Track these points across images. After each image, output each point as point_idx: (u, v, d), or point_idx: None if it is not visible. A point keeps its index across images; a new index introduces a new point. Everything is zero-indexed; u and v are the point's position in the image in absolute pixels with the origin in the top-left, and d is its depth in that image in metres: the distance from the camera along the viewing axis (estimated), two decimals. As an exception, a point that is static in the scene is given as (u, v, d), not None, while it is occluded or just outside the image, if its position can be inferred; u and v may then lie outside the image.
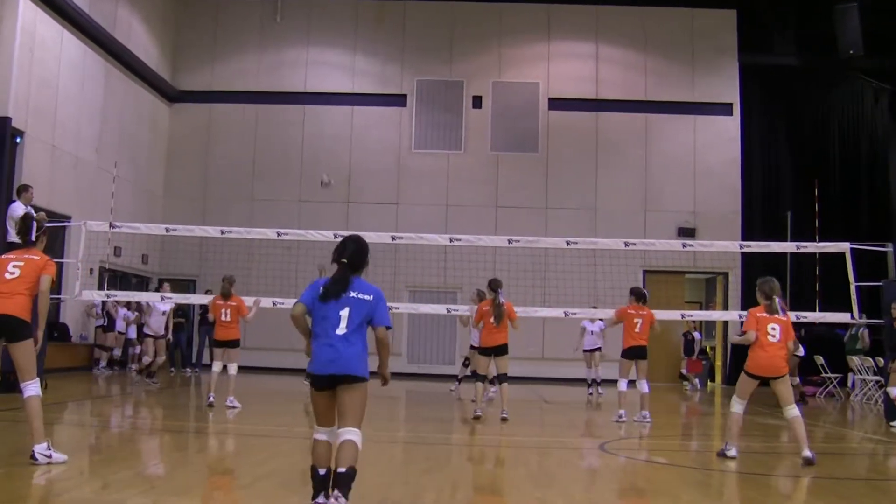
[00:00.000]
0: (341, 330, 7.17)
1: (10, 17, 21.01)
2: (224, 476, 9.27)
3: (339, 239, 15.52)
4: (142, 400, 18.44)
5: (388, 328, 7.38)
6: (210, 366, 17.42)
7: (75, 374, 21.87)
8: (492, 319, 15.82)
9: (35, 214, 10.06)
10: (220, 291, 17.03)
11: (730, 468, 10.70)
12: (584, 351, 22.38)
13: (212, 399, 16.18)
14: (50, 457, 8.83)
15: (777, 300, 11.26)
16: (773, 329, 11.04)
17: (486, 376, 16.93)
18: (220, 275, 18.84)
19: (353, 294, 7.29)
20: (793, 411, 11.00)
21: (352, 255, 7.49)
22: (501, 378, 16.12)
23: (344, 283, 7.33)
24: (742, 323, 24.65)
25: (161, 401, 18.72)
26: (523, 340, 27.78)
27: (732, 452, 11.06)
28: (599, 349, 22.33)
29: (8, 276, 9.26)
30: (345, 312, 7.21)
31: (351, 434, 7.10)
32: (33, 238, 9.71)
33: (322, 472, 7.10)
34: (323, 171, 30.83)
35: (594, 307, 22.06)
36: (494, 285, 16.10)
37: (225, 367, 16.65)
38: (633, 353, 16.30)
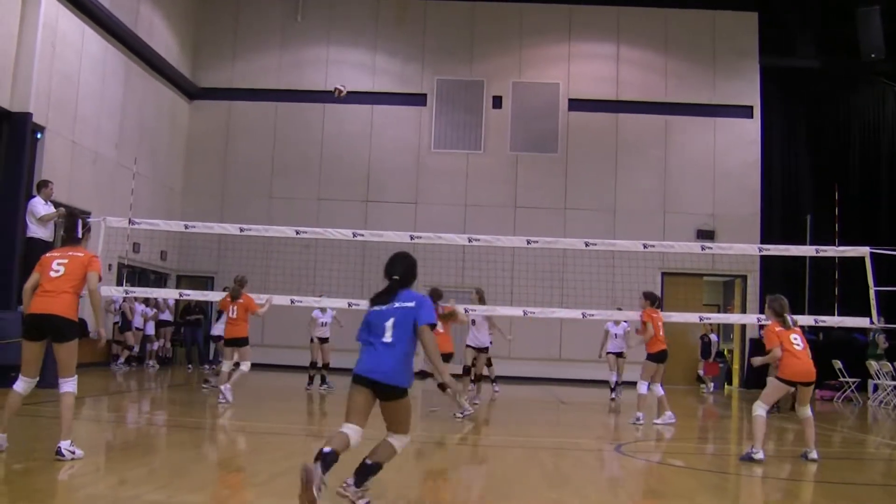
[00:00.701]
0: (387, 339, 7.41)
1: (32, 12, 21.06)
2: (238, 473, 9.27)
3: (359, 238, 15.46)
4: (158, 396, 18.48)
5: (432, 325, 7.57)
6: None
7: (93, 370, 21.92)
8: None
9: (72, 210, 9.99)
10: (230, 292, 17.17)
11: (753, 472, 10.66)
12: (608, 353, 22.07)
13: (224, 388, 16.30)
14: (74, 453, 8.83)
15: (788, 317, 11.72)
16: (796, 339, 11.52)
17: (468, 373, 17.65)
18: (238, 272, 18.90)
19: (397, 305, 7.61)
20: (807, 412, 11.64)
21: (403, 272, 7.97)
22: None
23: (391, 293, 7.74)
24: (760, 329, 24.58)
25: (177, 397, 18.77)
26: (542, 342, 27.97)
27: (760, 455, 11.14)
28: (622, 353, 22.02)
29: (53, 274, 9.24)
30: (389, 322, 7.48)
31: (395, 439, 7.40)
32: (79, 235, 9.75)
33: (327, 450, 7.06)
34: (343, 169, 30.86)
35: (618, 308, 21.87)
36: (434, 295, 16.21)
37: (238, 365, 16.71)
38: (662, 357, 16.23)
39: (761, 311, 26.65)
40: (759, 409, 11.50)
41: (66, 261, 9.37)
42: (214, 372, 21.86)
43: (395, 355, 7.35)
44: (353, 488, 7.09)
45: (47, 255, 9.53)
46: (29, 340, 9.25)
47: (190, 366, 27.15)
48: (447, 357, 15.90)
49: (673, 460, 12.23)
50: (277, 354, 27.31)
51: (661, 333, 16.26)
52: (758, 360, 12.11)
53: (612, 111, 31.31)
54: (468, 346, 18.45)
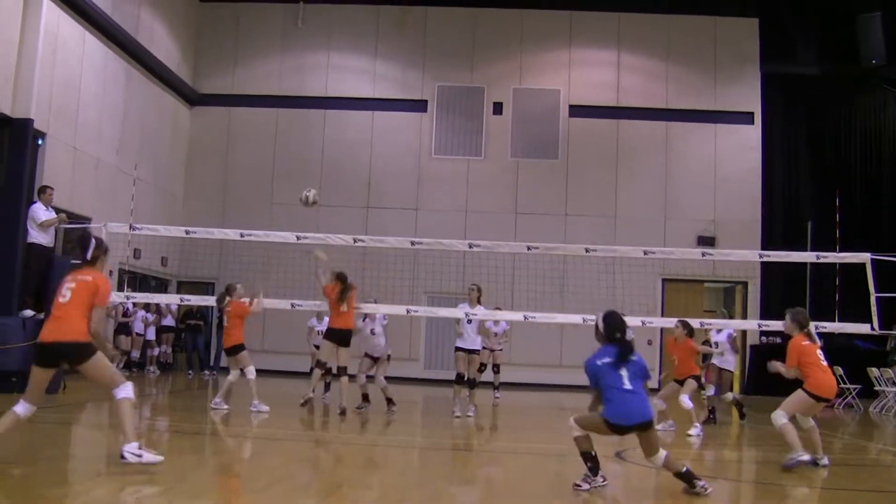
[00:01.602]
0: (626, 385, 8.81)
1: (33, 18, 21.07)
2: (239, 479, 9.26)
3: (359, 244, 15.55)
4: (158, 401, 18.48)
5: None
6: (227, 368, 17.50)
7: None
8: None
9: (92, 232, 9.82)
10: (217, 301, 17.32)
11: (754, 479, 10.63)
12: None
13: (215, 402, 16.34)
14: (140, 456, 8.74)
15: (813, 331, 11.67)
16: (820, 354, 11.48)
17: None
18: (239, 277, 18.92)
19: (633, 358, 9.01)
20: (810, 421, 11.56)
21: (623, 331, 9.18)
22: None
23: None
24: (762, 336, 24.48)
25: (177, 403, 18.76)
26: (543, 348, 27.93)
27: (805, 457, 10.97)
28: None
29: (61, 299, 9.08)
30: (624, 372, 8.88)
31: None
32: (88, 257, 9.47)
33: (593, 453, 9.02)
34: (344, 175, 30.90)
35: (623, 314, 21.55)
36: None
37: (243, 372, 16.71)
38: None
39: (763, 317, 26.76)
40: (782, 418, 11.16)
41: (73, 285, 9.17)
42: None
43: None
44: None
45: (65, 278, 9.38)
46: (39, 367, 9.01)
47: (191, 371, 27.15)
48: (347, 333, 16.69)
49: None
50: (278, 360, 27.27)
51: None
52: (778, 367, 11.71)
53: (613, 117, 31.34)
54: (458, 348, 17.93)
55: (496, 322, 21.33)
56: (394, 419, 16.07)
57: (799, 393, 11.28)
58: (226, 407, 16.40)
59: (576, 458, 12.38)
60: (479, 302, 17.84)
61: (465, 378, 17.37)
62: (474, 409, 17.84)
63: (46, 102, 22.05)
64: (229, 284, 17.50)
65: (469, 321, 17.57)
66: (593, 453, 8.90)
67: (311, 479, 9.56)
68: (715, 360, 19.96)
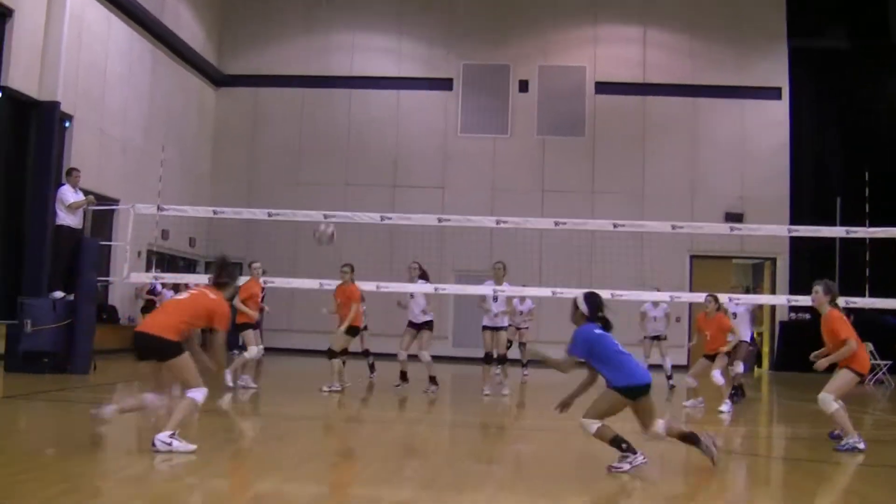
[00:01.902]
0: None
1: (58, 2, 21.12)
2: (266, 459, 9.29)
3: (386, 221, 15.73)
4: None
5: None
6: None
7: (124, 356, 22.02)
8: None
9: (226, 257, 9.78)
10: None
11: (782, 455, 10.60)
12: (647, 338, 20.60)
13: (243, 379, 16.45)
14: (170, 444, 8.56)
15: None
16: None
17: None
18: (267, 257, 18.98)
19: None
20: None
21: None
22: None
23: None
24: (791, 311, 24.31)
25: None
26: (569, 324, 27.87)
27: (862, 445, 10.37)
28: (661, 336, 20.62)
29: (176, 297, 9.19)
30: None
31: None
32: (216, 281, 9.48)
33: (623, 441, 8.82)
34: (370, 154, 30.93)
35: (657, 289, 21.38)
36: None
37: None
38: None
39: (792, 292, 26.62)
40: (833, 403, 10.51)
41: (195, 292, 9.25)
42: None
43: None
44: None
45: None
46: (137, 359, 9.08)
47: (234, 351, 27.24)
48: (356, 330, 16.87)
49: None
50: (306, 339, 27.34)
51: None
52: (824, 363, 11.01)
53: (640, 94, 31.20)
54: (484, 327, 17.86)
55: (522, 300, 21.25)
56: (430, 398, 16.07)
57: (845, 373, 10.68)
58: (254, 385, 16.45)
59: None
60: (504, 279, 17.80)
61: (494, 356, 17.37)
62: (507, 388, 17.84)
63: (73, 85, 22.14)
64: (250, 262, 17.59)
65: (495, 299, 17.54)
66: (620, 436, 8.77)
67: (340, 458, 9.59)
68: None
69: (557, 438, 11.75)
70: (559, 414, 9.15)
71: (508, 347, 20.43)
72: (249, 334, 16.69)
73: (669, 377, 20.07)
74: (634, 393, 8.80)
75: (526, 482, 8.57)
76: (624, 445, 8.68)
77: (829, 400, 10.49)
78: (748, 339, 18.59)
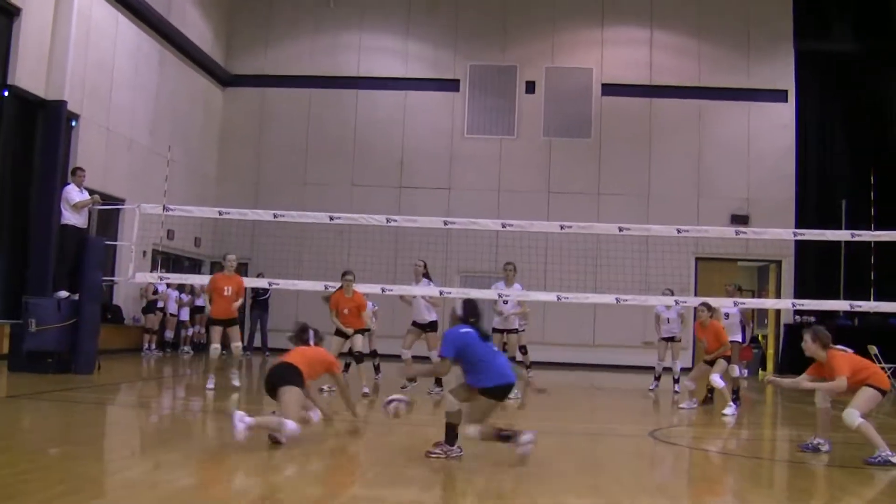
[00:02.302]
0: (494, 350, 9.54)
1: (66, 0, 21.15)
2: (274, 458, 9.29)
3: (392, 223, 15.94)
4: (193, 382, 18.58)
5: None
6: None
7: (129, 356, 22.08)
8: None
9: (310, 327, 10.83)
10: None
11: (789, 458, 10.58)
12: (662, 339, 20.51)
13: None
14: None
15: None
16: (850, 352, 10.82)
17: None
18: (272, 258, 18.96)
19: None
20: (826, 403, 11.05)
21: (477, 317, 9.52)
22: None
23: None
24: (796, 314, 24.31)
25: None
26: (576, 327, 27.87)
27: (894, 458, 9.96)
28: (675, 337, 20.45)
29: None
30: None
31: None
32: (310, 342, 10.65)
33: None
34: (376, 155, 30.97)
35: (669, 291, 21.16)
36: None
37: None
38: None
39: (796, 296, 26.59)
40: (857, 418, 10.20)
41: (308, 354, 10.36)
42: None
43: None
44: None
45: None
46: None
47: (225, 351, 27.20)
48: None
49: (707, 446, 12.18)
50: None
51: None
52: (808, 385, 11.08)
53: (646, 96, 31.20)
54: (494, 329, 17.78)
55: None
56: (435, 399, 16.03)
57: (867, 390, 10.38)
58: (226, 384, 16.27)
59: (608, 437, 12.39)
60: (514, 280, 17.77)
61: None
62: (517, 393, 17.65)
63: (80, 84, 22.18)
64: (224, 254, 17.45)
65: (505, 302, 17.57)
66: (500, 429, 9.26)
67: (347, 459, 9.59)
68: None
69: (560, 441, 11.74)
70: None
71: (525, 352, 20.44)
72: (215, 331, 16.46)
73: (676, 380, 19.90)
74: (501, 392, 9.20)
75: (529, 486, 8.56)
76: (505, 434, 9.16)
77: (853, 416, 10.23)
78: (739, 339, 18.56)
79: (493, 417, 9.36)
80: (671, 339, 20.41)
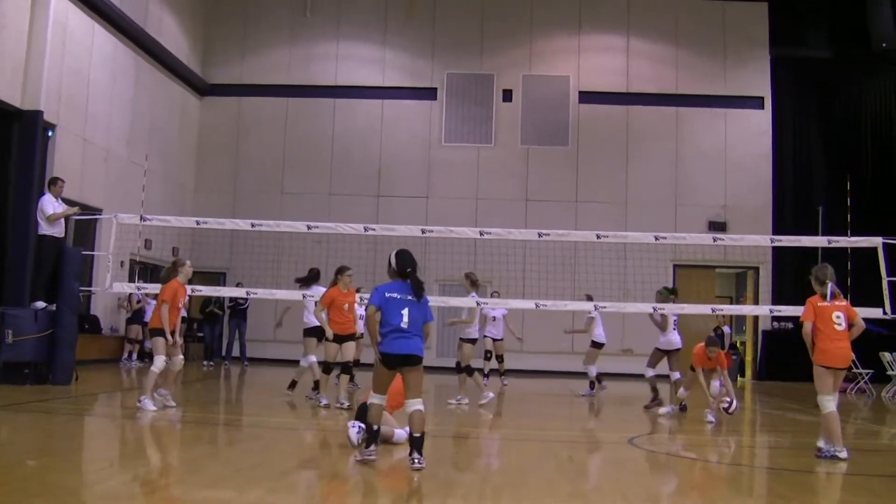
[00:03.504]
0: (405, 324, 9.15)
1: (42, 10, 21.06)
2: (252, 469, 9.27)
3: (370, 232, 15.73)
4: (172, 392, 18.52)
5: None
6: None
7: (106, 366, 22.00)
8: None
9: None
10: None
11: (765, 464, 10.62)
12: (669, 351, 17.66)
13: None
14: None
15: (831, 288, 10.94)
16: (839, 318, 10.81)
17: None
18: (250, 267, 18.90)
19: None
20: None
21: (413, 266, 9.52)
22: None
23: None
24: (774, 321, 24.38)
25: (190, 394, 18.80)
26: (555, 335, 27.87)
27: (844, 454, 10.26)
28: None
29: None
30: (406, 312, 9.22)
31: (418, 404, 9.05)
32: None
33: (375, 427, 9.11)
34: (354, 164, 30.97)
35: (672, 296, 19.04)
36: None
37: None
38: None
39: (774, 303, 26.69)
40: (828, 404, 10.58)
41: None
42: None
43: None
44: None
45: None
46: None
47: (212, 362, 27.07)
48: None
49: (686, 452, 12.22)
50: (291, 350, 27.25)
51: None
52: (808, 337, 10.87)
53: (623, 103, 31.30)
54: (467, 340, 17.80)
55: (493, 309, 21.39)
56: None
57: (816, 369, 10.72)
58: (172, 404, 15.98)
59: (587, 444, 12.41)
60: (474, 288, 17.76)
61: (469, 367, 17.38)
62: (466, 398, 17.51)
63: (56, 94, 22.09)
64: (176, 260, 16.44)
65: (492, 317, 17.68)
66: (375, 428, 9.19)
67: (330, 468, 9.57)
68: (661, 339, 17.75)
69: (539, 448, 11.75)
70: None
71: (488, 358, 20.54)
72: (158, 342, 14.72)
73: (657, 394, 19.44)
74: (388, 361, 9.10)
75: (509, 493, 8.57)
76: (367, 435, 9.15)
77: (821, 402, 10.69)
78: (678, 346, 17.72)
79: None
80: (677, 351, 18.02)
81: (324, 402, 15.61)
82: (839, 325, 10.77)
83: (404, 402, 9.18)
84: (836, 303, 10.93)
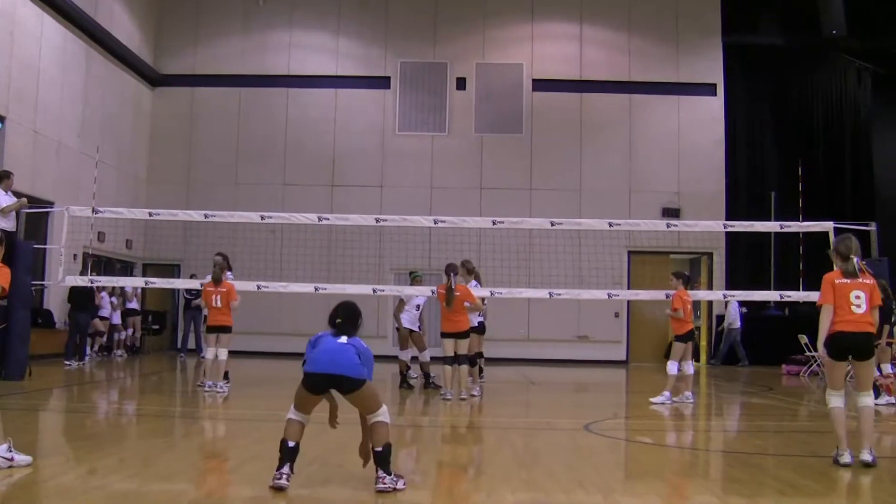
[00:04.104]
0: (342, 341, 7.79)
1: (-11, 0, 20.87)
2: (209, 460, 9.25)
3: (324, 222, 15.41)
4: (127, 385, 18.42)
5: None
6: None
7: (60, 361, 21.82)
8: (444, 303, 15.79)
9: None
10: (212, 277, 16.87)
11: (721, 448, 10.68)
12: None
13: (208, 385, 16.07)
14: (11, 459, 8.07)
15: (856, 260, 9.36)
16: (858, 298, 9.25)
17: (452, 358, 16.43)
18: (204, 259, 18.80)
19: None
20: (867, 399, 9.41)
21: (345, 317, 7.96)
22: (460, 360, 15.80)
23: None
24: (727, 305, 24.50)
25: (147, 386, 18.72)
26: (510, 322, 27.93)
27: (846, 458, 9.03)
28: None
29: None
30: (343, 338, 7.80)
31: (379, 416, 7.73)
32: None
33: (292, 444, 7.65)
34: (308, 153, 30.87)
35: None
36: (447, 270, 16.01)
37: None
38: (690, 336, 16.08)
39: (728, 287, 26.89)
40: (835, 399, 9.28)
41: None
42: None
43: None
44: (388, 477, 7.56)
45: None
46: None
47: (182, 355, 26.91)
48: (462, 334, 15.94)
49: (642, 438, 12.30)
50: (244, 341, 27.16)
51: (689, 313, 16.14)
52: (821, 351, 9.47)
53: (577, 91, 31.36)
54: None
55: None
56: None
57: (826, 360, 9.55)
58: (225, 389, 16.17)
59: (543, 430, 12.45)
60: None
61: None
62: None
63: (5, 85, 21.88)
64: (223, 262, 17.16)
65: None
66: (291, 444, 7.67)
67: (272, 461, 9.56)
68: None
69: (496, 436, 11.78)
70: None
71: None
72: (229, 338, 16.57)
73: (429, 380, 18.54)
74: (309, 381, 7.74)
75: (464, 482, 8.59)
76: (280, 455, 7.66)
77: (828, 396, 9.41)
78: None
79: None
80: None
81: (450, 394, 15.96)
82: (858, 306, 9.23)
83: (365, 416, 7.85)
84: (864, 280, 9.35)
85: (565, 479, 8.45)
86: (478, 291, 17.32)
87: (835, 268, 9.56)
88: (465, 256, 18.39)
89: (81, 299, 22.89)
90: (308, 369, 7.70)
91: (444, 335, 16.07)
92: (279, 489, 7.38)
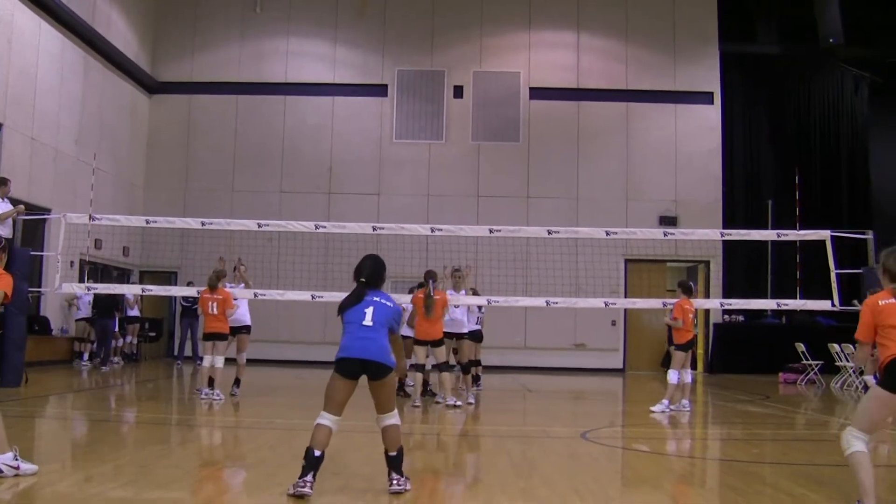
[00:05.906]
0: (367, 322, 7.90)
1: (-13, 7, 20.87)
2: (206, 468, 9.24)
3: (321, 230, 15.28)
4: (124, 392, 18.41)
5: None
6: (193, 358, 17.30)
7: (57, 368, 21.81)
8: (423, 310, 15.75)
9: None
10: (207, 284, 16.86)
11: (717, 456, 10.69)
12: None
13: (204, 392, 16.05)
14: (17, 468, 8.08)
15: None
16: None
17: (424, 366, 16.42)
18: (201, 266, 18.80)
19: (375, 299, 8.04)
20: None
21: (369, 273, 8.14)
22: (441, 367, 15.87)
23: (359, 295, 8.04)
24: (725, 314, 24.46)
25: (144, 393, 18.70)
26: (507, 330, 27.90)
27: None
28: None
29: None
30: (369, 310, 7.95)
31: (391, 419, 7.98)
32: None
33: (318, 453, 7.59)
34: (305, 161, 30.89)
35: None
36: (426, 276, 15.98)
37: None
38: (691, 345, 16.13)
39: (726, 296, 26.88)
40: (857, 444, 7.13)
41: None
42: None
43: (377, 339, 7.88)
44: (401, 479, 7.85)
45: None
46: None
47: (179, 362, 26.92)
48: (438, 341, 15.95)
49: (639, 446, 12.29)
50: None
51: (690, 323, 16.10)
52: (871, 382, 7.98)
53: (574, 99, 31.38)
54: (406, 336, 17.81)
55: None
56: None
57: (874, 392, 7.34)
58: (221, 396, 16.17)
59: (540, 439, 12.44)
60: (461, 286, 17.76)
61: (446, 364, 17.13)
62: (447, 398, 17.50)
63: (2, 92, 21.90)
64: (222, 270, 17.17)
65: (456, 306, 17.43)
66: (317, 454, 7.59)
67: (281, 467, 9.55)
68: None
69: (492, 444, 11.77)
70: None
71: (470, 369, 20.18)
72: (226, 345, 16.65)
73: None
74: (343, 366, 7.80)
75: (461, 489, 8.58)
76: (304, 463, 7.56)
77: (850, 440, 7.15)
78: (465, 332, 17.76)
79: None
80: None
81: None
82: None
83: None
84: None
85: (562, 487, 8.44)
86: (475, 300, 17.36)
87: (884, 286, 7.43)
88: (462, 265, 18.41)
89: (105, 305, 23.08)
90: (341, 355, 7.83)
91: (418, 342, 16.04)
92: (300, 497, 7.37)
